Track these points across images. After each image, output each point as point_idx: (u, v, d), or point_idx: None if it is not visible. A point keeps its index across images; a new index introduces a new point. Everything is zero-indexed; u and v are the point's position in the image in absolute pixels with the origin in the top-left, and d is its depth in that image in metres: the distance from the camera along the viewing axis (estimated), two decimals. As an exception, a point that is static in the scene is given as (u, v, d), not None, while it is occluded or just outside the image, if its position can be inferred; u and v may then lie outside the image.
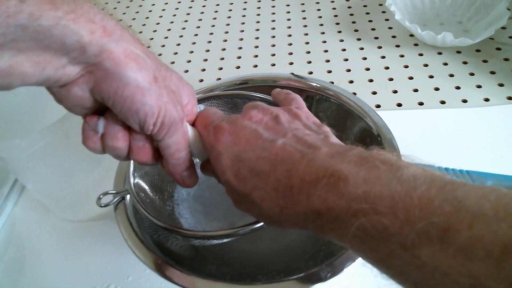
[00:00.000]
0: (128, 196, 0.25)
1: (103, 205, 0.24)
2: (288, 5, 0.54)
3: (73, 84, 0.15)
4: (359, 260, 0.20)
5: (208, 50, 0.49)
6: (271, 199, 0.15)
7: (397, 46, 0.44)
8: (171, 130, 0.17)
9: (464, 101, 0.37)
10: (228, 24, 0.53)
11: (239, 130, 0.17)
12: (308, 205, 0.13)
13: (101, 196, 0.24)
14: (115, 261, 0.29)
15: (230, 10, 0.55)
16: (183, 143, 0.18)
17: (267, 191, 0.15)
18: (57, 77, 0.14)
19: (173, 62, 0.48)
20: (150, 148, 0.18)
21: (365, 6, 0.52)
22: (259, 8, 0.54)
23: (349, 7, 0.52)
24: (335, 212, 0.12)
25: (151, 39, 0.52)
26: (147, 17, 0.56)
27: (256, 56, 0.46)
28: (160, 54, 0.49)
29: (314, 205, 0.13)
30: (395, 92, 0.39)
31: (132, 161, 0.26)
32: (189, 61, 0.47)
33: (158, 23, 0.55)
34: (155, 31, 0.54)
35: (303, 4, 0.54)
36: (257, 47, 0.48)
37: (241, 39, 0.49)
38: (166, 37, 0.52)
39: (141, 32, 0.54)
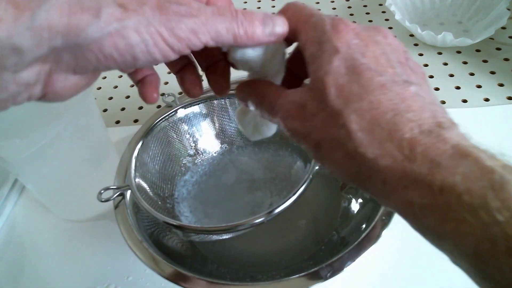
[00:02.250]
0: (128, 192, 0.25)
1: (103, 199, 0.24)
2: (288, 5, 0.54)
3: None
4: (359, 259, 0.20)
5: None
6: (372, 136, 0.11)
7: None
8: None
9: (464, 101, 0.37)
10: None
11: (368, 40, 0.13)
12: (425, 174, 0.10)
13: (102, 191, 0.24)
14: (115, 261, 0.29)
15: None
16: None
17: (371, 124, 0.12)
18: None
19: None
20: None
21: (365, 6, 0.52)
22: (259, 8, 0.54)
23: (349, 7, 0.52)
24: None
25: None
26: (147, 17, 0.56)
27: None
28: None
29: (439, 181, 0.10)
30: (395, 92, 0.39)
31: (134, 158, 0.26)
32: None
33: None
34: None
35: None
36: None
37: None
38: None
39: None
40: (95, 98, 0.43)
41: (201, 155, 0.32)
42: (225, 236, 0.24)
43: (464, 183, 0.10)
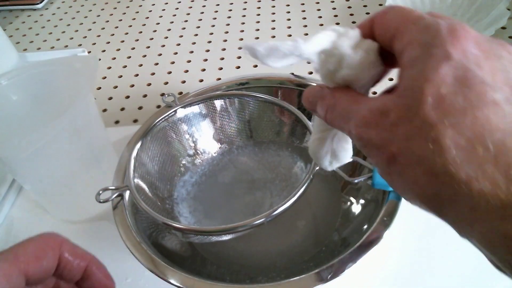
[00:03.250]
0: (127, 193, 0.25)
1: (102, 200, 0.24)
2: (288, 5, 0.54)
3: None
4: (360, 261, 0.20)
5: (208, 50, 0.48)
6: (471, 155, 0.10)
7: None
8: None
9: None
10: (228, 24, 0.53)
11: (490, 53, 0.11)
12: None
13: (101, 192, 0.24)
14: (113, 263, 0.28)
15: (230, 10, 0.55)
16: None
17: (471, 143, 0.10)
18: None
19: (173, 62, 0.48)
20: None
21: (365, 6, 0.51)
22: (259, 8, 0.54)
23: (349, 7, 0.52)
24: None
25: (151, 39, 0.52)
26: (147, 17, 0.56)
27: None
28: (160, 54, 0.49)
29: None
30: (395, 92, 0.39)
31: (133, 158, 0.26)
32: (189, 61, 0.47)
33: (158, 23, 0.55)
34: (155, 31, 0.53)
35: (303, 4, 0.54)
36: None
37: (241, 39, 0.49)
38: (166, 37, 0.52)
39: (141, 32, 0.53)
40: (95, 98, 0.43)
41: (200, 156, 0.31)
42: (224, 237, 0.24)
43: None
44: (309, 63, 0.14)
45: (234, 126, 0.31)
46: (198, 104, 0.30)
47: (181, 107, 0.29)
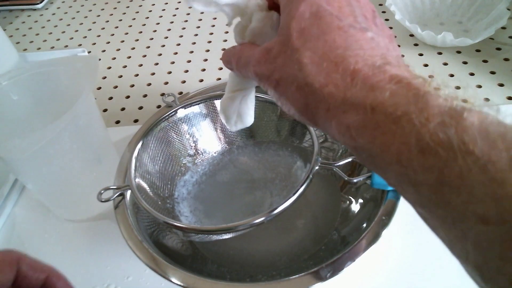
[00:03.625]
0: (128, 192, 0.25)
1: (103, 200, 0.24)
2: (288, 5, 0.54)
3: None
4: (359, 260, 0.20)
5: (208, 50, 0.49)
6: (321, 68, 0.13)
7: (397, 46, 0.44)
8: None
9: (464, 101, 0.37)
10: (228, 24, 0.52)
11: None
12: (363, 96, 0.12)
13: (102, 191, 0.24)
14: (115, 261, 0.28)
15: (230, 10, 0.55)
16: None
17: (322, 58, 0.13)
18: None
19: (173, 62, 0.48)
20: None
21: (365, 6, 0.52)
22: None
23: (349, 7, 0.52)
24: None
25: (151, 39, 0.52)
26: (147, 17, 0.56)
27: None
28: (160, 54, 0.49)
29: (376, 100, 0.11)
30: (395, 92, 0.39)
31: (134, 158, 0.26)
32: (189, 61, 0.47)
33: (158, 23, 0.55)
34: (155, 31, 0.54)
35: (303, 4, 0.54)
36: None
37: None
38: (166, 37, 0.52)
39: (141, 32, 0.54)
40: (95, 98, 0.43)
41: (201, 155, 0.32)
42: (225, 236, 0.24)
43: (391, 98, 0.11)
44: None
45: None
46: (198, 104, 0.30)
47: (182, 107, 0.30)
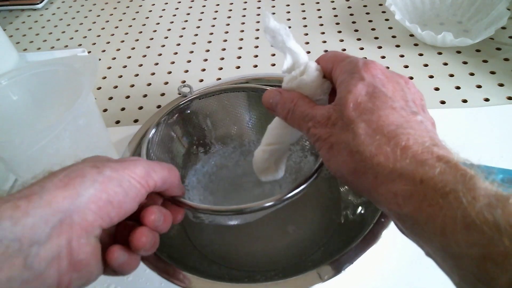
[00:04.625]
0: None
1: None
2: (288, 5, 0.54)
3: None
4: (358, 261, 0.20)
5: (208, 50, 0.49)
6: (374, 139, 0.14)
7: (397, 46, 0.44)
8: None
9: (464, 101, 0.37)
10: (228, 24, 0.53)
11: (391, 78, 0.17)
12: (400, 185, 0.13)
13: None
14: (114, 261, 0.28)
15: (230, 10, 0.55)
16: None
17: (375, 131, 0.14)
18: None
19: (173, 62, 0.48)
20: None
21: (365, 6, 0.52)
22: (259, 8, 0.54)
23: (349, 7, 0.52)
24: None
25: (151, 39, 0.52)
26: (147, 17, 0.56)
27: (256, 56, 0.46)
28: (160, 54, 0.49)
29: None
30: (395, 92, 0.39)
31: (146, 145, 0.26)
32: (189, 61, 0.47)
33: (158, 23, 0.55)
34: (155, 31, 0.54)
35: (303, 4, 0.54)
36: (257, 47, 0.48)
37: (241, 39, 0.49)
38: (166, 37, 0.52)
39: (141, 32, 0.54)
40: (95, 98, 0.43)
41: (213, 147, 0.31)
42: (233, 222, 0.24)
43: (440, 175, 0.12)
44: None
45: (247, 119, 0.31)
46: (213, 96, 0.30)
47: (197, 98, 0.29)
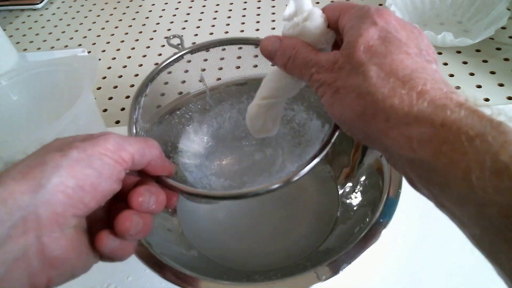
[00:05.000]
0: None
1: None
2: (287, 5, 0.54)
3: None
4: (356, 262, 0.20)
5: (208, 50, 0.49)
6: (386, 82, 0.13)
7: None
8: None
9: None
10: (228, 24, 0.53)
11: (406, 27, 0.16)
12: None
13: None
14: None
15: (230, 10, 0.55)
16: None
17: (388, 74, 0.13)
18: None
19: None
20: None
21: (365, 6, 0.52)
22: (259, 8, 0.54)
23: (349, 7, 0.52)
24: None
25: (151, 39, 0.52)
26: (147, 17, 0.56)
27: (256, 56, 0.46)
28: (160, 54, 0.49)
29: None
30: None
31: (137, 106, 0.23)
32: (189, 61, 0.47)
33: (158, 23, 0.55)
34: (155, 31, 0.54)
35: (303, 4, 0.54)
36: (257, 47, 0.48)
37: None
38: (166, 37, 0.52)
39: (141, 32, 0.54)
40: (95, 98, 0.43)
41: (209, 106, 0.28)
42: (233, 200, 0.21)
43: (465, 118, 0.11)
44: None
45: (244, 74, 0.28)
46: (208, 50, 0.27)
47: (188, 52, 0.26)
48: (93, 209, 0.15)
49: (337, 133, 0.19)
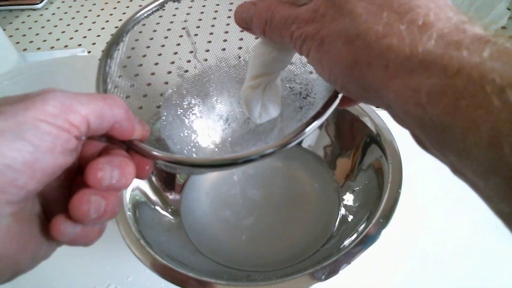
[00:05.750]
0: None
1: None
2: (288, 5, 0.54)
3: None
4: (355, 262, 0.20)
5: (208, 50, 0.49)
6: (379, 17, 0.11)
7: None
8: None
9: None
10: (228, 24, 0.53)
11: None
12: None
13: None
14: (115, 261, 0.29)
15: (230, 10, 0.55)
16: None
17: (381, 8, 0.11)
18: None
19: (173, 62, 0.48)
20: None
21: (365, 6, 0.51)
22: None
23: (349, 7, 0.52)
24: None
25: (151, 39, 0.52)
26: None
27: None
28: (160, 54, 0.49)
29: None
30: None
31: (108, 64, 0.19)
32: (189, 61, 0.47)
33: (158, 23, 0.55)
34: (155, 31, 0.54)
35: (303, 4, 0.54)
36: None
37: (241, 39, 0.49)
38: (166, 37, 0.52)
39: (141, 32, 0.54)
40: (95, 98, 0.43)
41: (196, 64, 0.24)
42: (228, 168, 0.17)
43: (489, 60, 0.09)
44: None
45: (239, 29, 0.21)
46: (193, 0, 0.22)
47: (172, 1, 0.22)
48: (35, 191, 0.12)
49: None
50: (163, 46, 0.25)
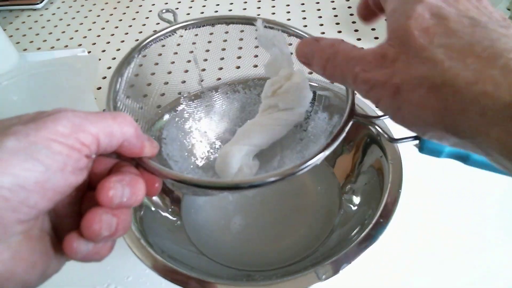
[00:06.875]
0: None
1: None
2: (288, 5, 0.54)
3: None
4: (356, 262, 0.20)
5: (208, 50, 0.49)
6: (464, 63, 0.10)
7: None
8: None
9: None
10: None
11: None
12: None
13: None
14: (115, 261, 0.29)
15: (230, 10, 0.55)
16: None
17: (462, 54, 0.11)
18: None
19: (173, 62, 0.48)
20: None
21: (365, 6, 0.52)
22: (259, 8, 0.54)
23: (349, 7, 0.52)
24: None
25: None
26: (147, 17, 0.56)
27: (256, 56, 0.46)
28: (160, 54, 0.49)
29: None
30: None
31: (112, 88, 0.20)
32: (189, 61, 0.47)
33: (158, 23, 0.55)
34: (155, 31, 0.54)
35: (303, 4, 0.54)
36: (257, 47, 0.48)
37: (241, 39, 0.49)
38: (166, 37, 0.52)
39: (141, 32, 0.54)
40: (95, 98, 0.43)
41: (199, 87, 0.25)
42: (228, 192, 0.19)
43: None
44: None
45: (241, 55, 0.25)
46: (204, 26, 0.24)
47: (182, 28, 0.24)
48: (46, 209, 0.12)
49: (351, 123, 0.16)
50: (169, 72, 0.26)
